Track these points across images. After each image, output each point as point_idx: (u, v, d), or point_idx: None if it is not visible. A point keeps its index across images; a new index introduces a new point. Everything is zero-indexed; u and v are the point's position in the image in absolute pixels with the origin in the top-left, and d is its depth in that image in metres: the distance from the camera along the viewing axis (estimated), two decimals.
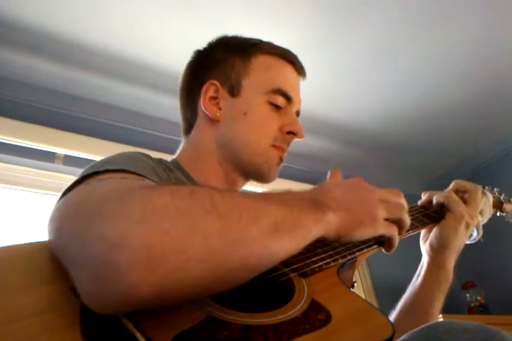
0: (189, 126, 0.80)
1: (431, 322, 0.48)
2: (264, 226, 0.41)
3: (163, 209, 0.36)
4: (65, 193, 0.50)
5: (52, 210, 0.44)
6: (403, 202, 0.58)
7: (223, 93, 0.75)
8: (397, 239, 0.58)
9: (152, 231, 0.34)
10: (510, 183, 2.22)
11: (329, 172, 0.62)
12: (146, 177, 0.53)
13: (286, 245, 0.43)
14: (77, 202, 0.41)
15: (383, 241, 0.61)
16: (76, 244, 0.37)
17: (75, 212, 0.39)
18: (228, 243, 0.38)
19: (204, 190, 0.42)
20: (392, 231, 0.56)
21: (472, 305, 2.43)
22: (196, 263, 0.36)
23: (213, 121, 0.75)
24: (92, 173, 0.51)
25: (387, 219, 0.55)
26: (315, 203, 0.48)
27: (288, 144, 0.76)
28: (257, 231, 0.40)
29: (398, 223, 0.58)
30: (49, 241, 0.42)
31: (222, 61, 0.77)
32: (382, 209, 0.54)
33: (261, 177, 0.75)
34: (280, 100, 0.74)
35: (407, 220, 0.59)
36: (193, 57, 0.82)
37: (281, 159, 0.76)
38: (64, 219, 0.40)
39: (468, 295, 2.46)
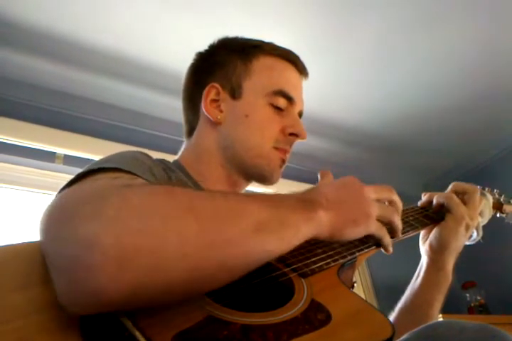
0: (191, 129, 0.80)
1: (430, 322, 0.48)
2: (245, 226, 0.40)
3: (138, 208, 0.36)
4: (60, 192, 0.50)
5: (43, 210, 0.44)
6: (395, 198, 0.58)
7: (224, 95, 0.75)
8: (387, 240, 0.58)
9: (124, 230, 0.34)
10: (510, 184, 2.22)
11: (319, 174, 0.62)
12: (139, 177, 0.53)
13: (272, 245, 0.42)
14: (62, 203, 0.41)
15: None
16: (53, 244, 0.37)
17: (57, 213, 0.39)
18: (204, 244, 0.37)
19: (183, 189, 0.41)
20: (382, 233, 0.56)
21: (472, 304, 2.43)
22: (170, 264, 0.35)
23: (215, 123, 0.75)
24: (86, 172, 0.52)
25: (378, 220, 0.55)
26: (304, 202, 0.48)
27: (290, 145, 0.76)
28: (237, 232, 0.39)
29: (389, 226, 0.58)
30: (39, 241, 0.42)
31: (223, 63, 0.77)
32: (376, 207, 0.53)
33: (263, 180, 0.75)
34: (281, 102, 0.74)
35: (398, 223, 0.58)
36: (194, 60, 0.82)
37: (283, 161, 0.76)
38: (48, 219, 0.39)
39: (468, 295, 2.46)
